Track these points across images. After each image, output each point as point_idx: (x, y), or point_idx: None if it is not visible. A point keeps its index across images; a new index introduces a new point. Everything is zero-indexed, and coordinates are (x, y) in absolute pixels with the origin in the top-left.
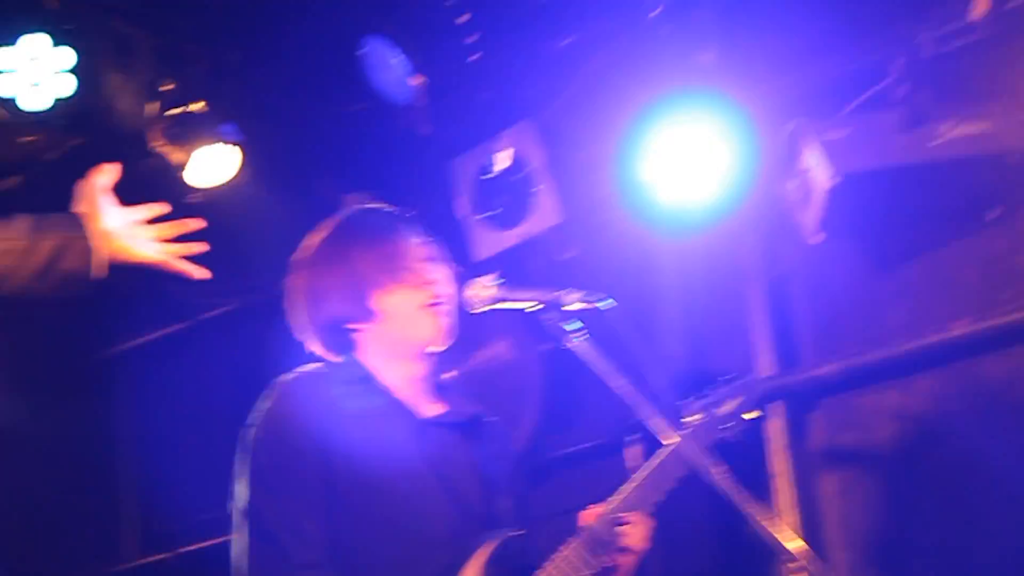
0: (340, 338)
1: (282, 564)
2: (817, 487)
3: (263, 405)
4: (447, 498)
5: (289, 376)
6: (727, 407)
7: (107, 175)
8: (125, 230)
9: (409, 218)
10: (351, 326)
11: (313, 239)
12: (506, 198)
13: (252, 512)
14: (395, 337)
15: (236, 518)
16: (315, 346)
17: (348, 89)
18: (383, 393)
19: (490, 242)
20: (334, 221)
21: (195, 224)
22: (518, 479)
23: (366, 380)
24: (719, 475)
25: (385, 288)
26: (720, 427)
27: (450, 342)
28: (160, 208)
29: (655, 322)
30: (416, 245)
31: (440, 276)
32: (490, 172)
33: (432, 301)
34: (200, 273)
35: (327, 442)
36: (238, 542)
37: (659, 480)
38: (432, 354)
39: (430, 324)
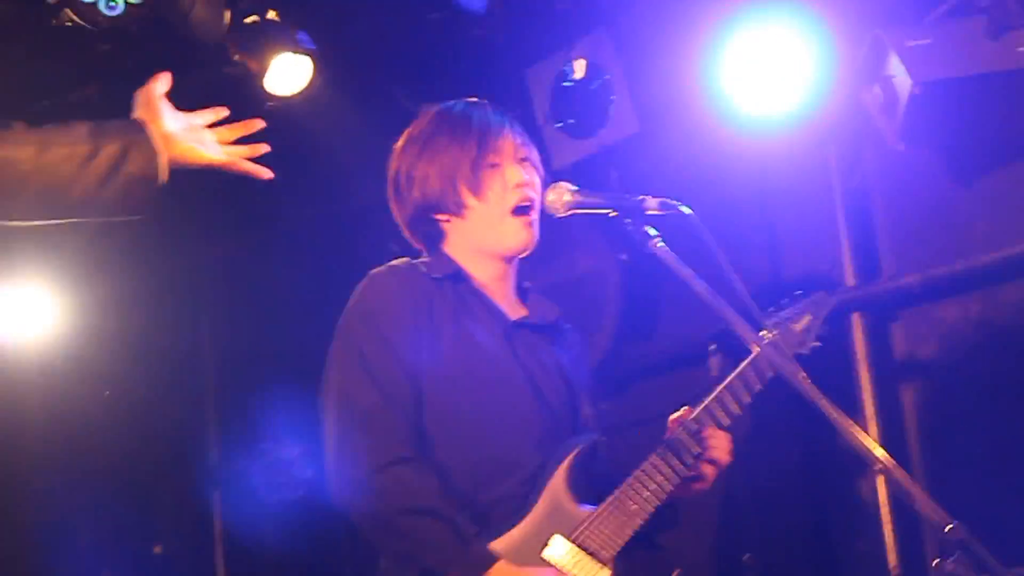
0: (429, 228)
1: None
2: (898, 398)
3: (354, 296)
4: (536, 400)
5: (380, 268)
6: (802, 322)
7: (164, 82)
8: (187, 133)
9: (509, 117)
10: (440, 216)
11: (414, 126)
12: (582, 107)
13: (338, 400)
14: (481, 235)
15: (324, 405)
16: (407, 233)
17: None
18: (474, 291)
19: (567, 151)
20: (433, 109)
21: (257, 124)
22: (599, 388)
23: (456, 275)
24: (801, 384)
25: (476, 182)
26: (796, 342)
27: (533, 247)
28: (221, 112)
29: (735, 231)
30: (512, 144)
31: (531, 179)
32: (567, 81)
33: (520, 204)
34: (266, 174)
35: (417, 334)
36: (326, 430)
37: (740, 390)
38: (520, 258)
39: (516, 228)
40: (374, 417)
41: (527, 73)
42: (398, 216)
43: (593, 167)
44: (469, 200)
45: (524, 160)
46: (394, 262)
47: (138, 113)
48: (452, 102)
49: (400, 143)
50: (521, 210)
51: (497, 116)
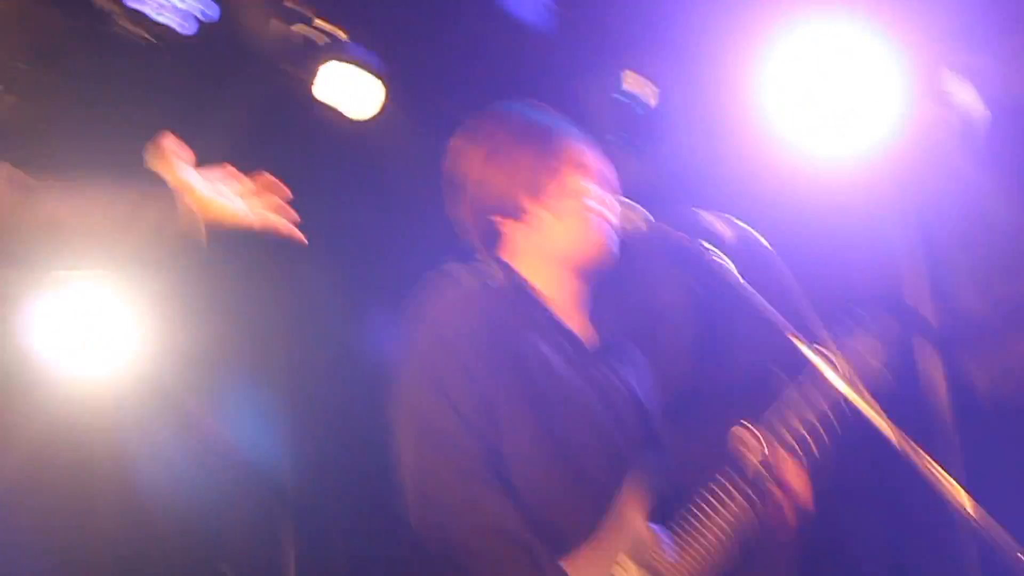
0: (489, 229)
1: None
2: (979, 434)
3: (421, 312)
4: (611, 424)
5: (443, 282)
6: (867, 344)
7: (173, 138)
8: (207, 188)
9: (576, 125)
10: (500, 219)
11: (474, 124)
12: (643, 125)
13: (416, 426)
14: (549, 243)
15: (399, 430)
16: (466, 229)
17: (485, 16)
18: (542, 309)
19: (625, 169)
20: (498, 111)
21: (277, 185)
22: (671, 413)
23: (523, 290)
24: (869, 410)
25: (539, 187)
26: (864, 364)
27: (609, 262)
28: (233, 170)
29: (803, 252)
30: (581, 153)
31: (601, 189)
32: (626, 98)
33: (590, 211)
34: (300, 238)
35: (492, 356)
36: (403, 456)
37: (802, 408)
38: (587, 272)
39: (586, 235)
40: (454, 443)
41: (584, 88)
42: (456, 215)
43: (653, 186)
44: (532, 208)
45: (591, 170)
46: (454, 271)
47: (158, 170)
48: (516, 103)
49: (459, 141)
50: (590, 217)
51: (565, 122)
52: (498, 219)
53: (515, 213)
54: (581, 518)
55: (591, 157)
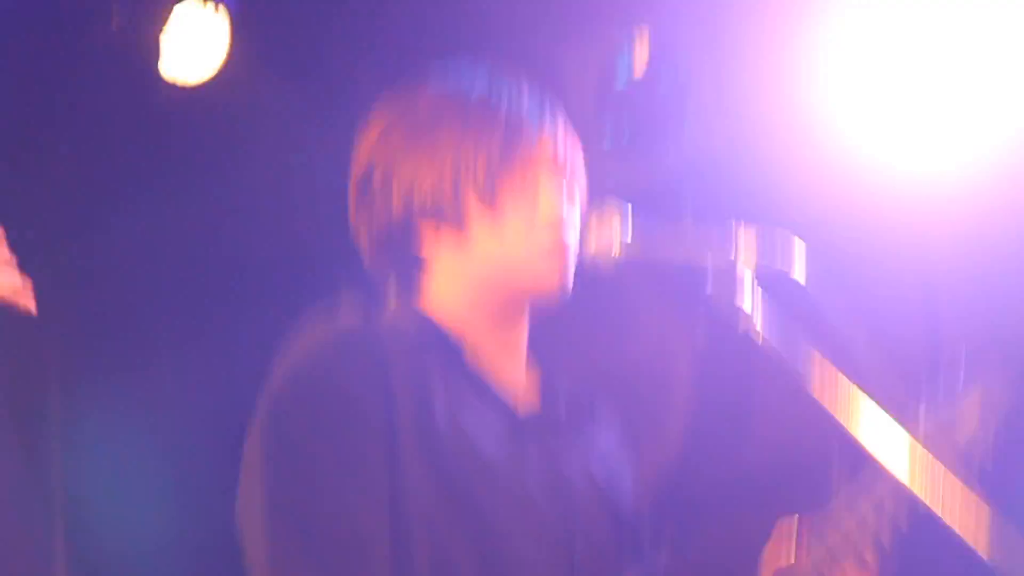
0: (408, 244)
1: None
2: None
3: (293, 378)
4: (565, 534)
5: (326, 337)
6: (970, 414)
7: None
8: None
9: (549, 103)
10: (427, 224)
11: (398, 106)
12: (642, 116)
13: (289, 536)
14: (489, 266)
15: (256, 540)
16: (370, 257)
17: None
18: (465, 369)
19: (618, 170)
20: (434, 83)
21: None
22: (661, 505)
23: (441, 343)
24: (966, 501)
25: (491, 192)
26: (963, 440)
27: (564, 298)
28: None
29: (873, 297)
30: (551, 147)
31: (570, 211)
32: (621, 80)
33: (553, 232)
34: (30, 306)
35: (396, 444)
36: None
37: (879, 507)
38: (535, 311)
39: (544, 266)
40: (347, 563)
41: (563, 64)
42: (362, 231)
43: (656, 194)
44: (476, 213)
45: (564, 170)
46: (343, 323)
47: None
48: (462, 72)
49: (374, 130)
50: (553, 239)
51: (533, 102)
52: (420, 224)
53: (447, 215)
54: None
55: (562, 146)
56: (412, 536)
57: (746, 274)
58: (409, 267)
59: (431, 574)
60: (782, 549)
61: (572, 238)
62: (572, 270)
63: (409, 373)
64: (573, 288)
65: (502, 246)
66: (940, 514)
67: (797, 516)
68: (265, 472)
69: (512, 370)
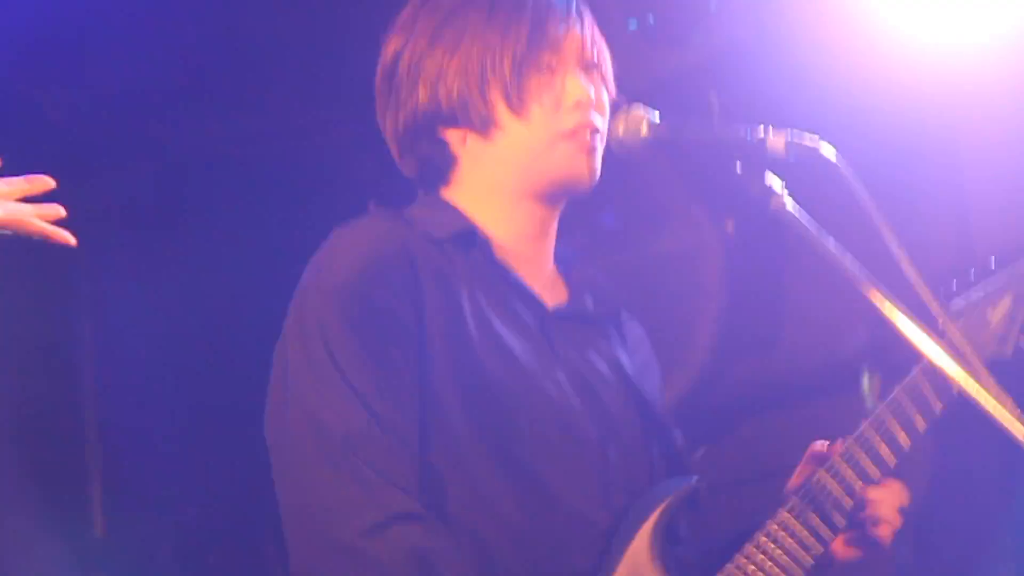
0: (432, 149)
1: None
2: None
3: (312, 266)
4: (594, 425)
5: (350, 224)
6: (1000, 308)
7: None
8: None
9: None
10: (451, 132)
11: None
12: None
13: (300, 425)
14: (513, 167)
15: (274, 434)
16: (395, 152)
17: None
18: (494, 261)
19: (642, 63)
20: None
21: (47, 183)
22: (696, 416)
23: (467, 236)
24: (998, 406)
25: (517, 89)
26: (991, 339)
27: (592, 185)
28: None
29: (901, 188)
30: (578, 41)
31: (597, 97)
32: None
33: (578, 128)
34: (69, 239)
35: (413, 326)
36: (280, 472)
37: (911, 413)
38: (561, 200)
39: (569, 154)
40: (360, 450)
41: None
42: (387, 126)
43: (682, 88)
44: (502, 114)
45: (591, 67)
46: (370, 215)
47: None
48: None
49: (405, 15)
50: (581, 133)
51: None
52: (445, 130)
53: (473, 122)
54: (569, 571)
55: (591, 49)
56: (443, 430)
57: (776, 150)
58: (436, 160)
59: (462, 466)
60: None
61: (600, 123)
62: (599, 156)
63: (435, 264)
64: (601, 176)
65: (529, 141)
66: (973, 396)
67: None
68: (293, 370)
69: (540, 263)
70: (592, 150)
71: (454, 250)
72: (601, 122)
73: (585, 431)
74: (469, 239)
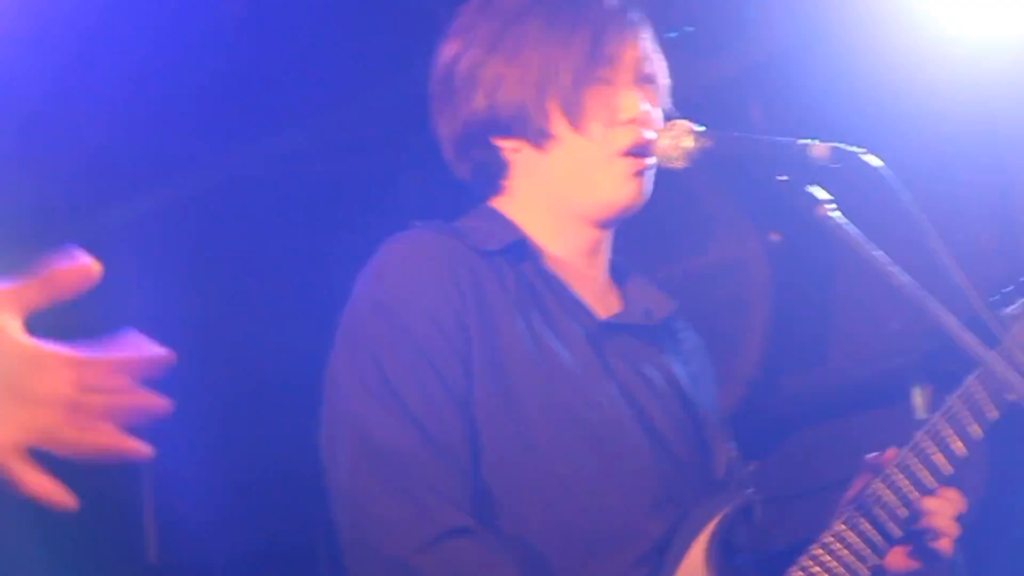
0: (486, 157)
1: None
2: None
3: (361, 280)
4: (646, 435)
5: (399, 236)
6: None
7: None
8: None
9: (635, 9)
10: (506, 142)
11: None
12: (708, 8)
13: (351, 441)
14: (567, 183)
15: (328, 448)
16: (450, 157)
17: None
18: (546, 274)
19: (683, 72)
20: None
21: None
22: (751, 426)
23: (519, 249)
24: None
25: (576, 102)
26: None
27: (640, 206)
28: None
29: (947, 196)
30: (636, 54)
31: (652, 112)
32: None
33: (633, 146)
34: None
35: (462, 339)
36: (335, 488)
37: (966, 421)
38: (613, 221)
39: (621, 176)
40: (412, 466)
41: None
42: (442, 129)
43: (723, 98)
44: (560, 127)
45: (647, 82)
46: (418, 228)
47: None
48: None
49: (463, 19)
50: (634, 153)
51: (619, 5)
52: (499, 140)
53: (528, 134)
54: None
55: (648, 62)
56: (493, 444)
57: (821, 159)
58: (489, 167)
59: (512, 480)
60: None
61: (651, 148)
62: (650, 177)
63: (485, 276)
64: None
65: (583, 156)
66: None
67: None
68: (344, 387)
69: (593, 276)
70: (643, 171)
71: (504, 262)
72: (655, 136)
73: (637, 444)
74: (520, 251)
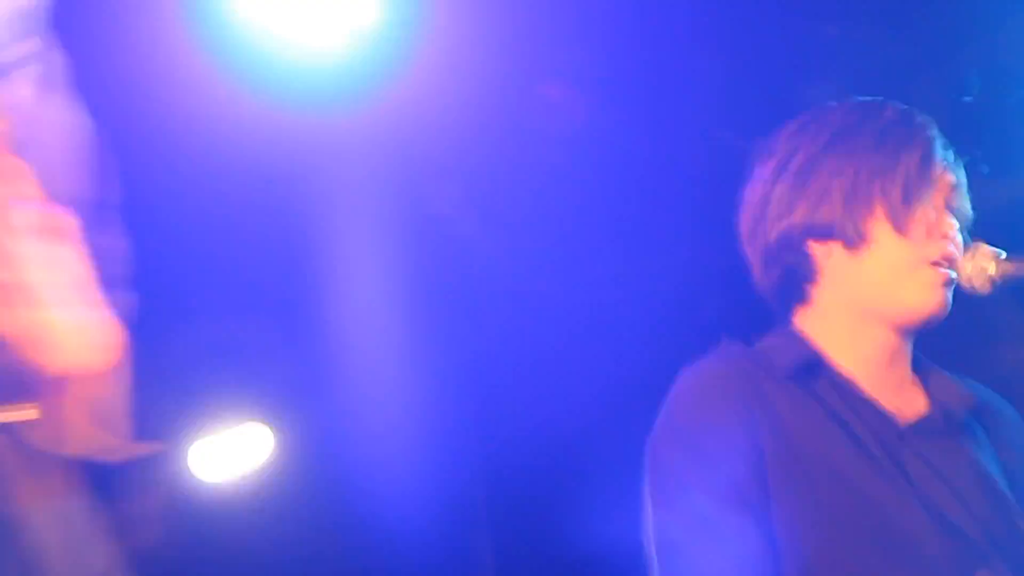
0: (795, 262)
1: None
2: None
3: (664, 414)
4: (951, 556)
5: (697, 366)
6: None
7: None
8: None
9: (939, 134)
10: (819, 244)
11: (814, 112)
12: (993, 133)
13: (668, 561)
14: (874, 287)
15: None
16: (758, 271)
17: None
18: (837, 382)
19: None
20: (842, 105)
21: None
22: None
23: (810, 364)
24: None
25: (905, 213)
26: None
27: (942, 317)
28: None
29: None
30: (948, 175)
31: (954, 226)
32: (967, 95)
33: (943, 256)
34: None
35: (757, 462)
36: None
37: None
38: (914, 330)
39: (929, 284)
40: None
41: (910, 86)
42: (755, 241)
43: (1012, 220)
44: (882, 233)
45: (954, 208)
46: (717, 350)
47: None
48: (861, 100)
49: (787, 130)
50: (943, 265)
51: (934, 128)
52: (812, 242)
53: (846, 235)
54: None
55: (959, 185)
56: (790, 566)
57: None
58: (799, 272)
59: None
60: None
61: (954, 268)
62: (952, 290)
63: (779, 397)
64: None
65: (897, 259)
66: None
67: None
68: (654, 516)
69: (892, 384)
70: (949, 283)
71: (800, 381)
72: (958, 252)
73: (943, 562)
74: (814, 368)
